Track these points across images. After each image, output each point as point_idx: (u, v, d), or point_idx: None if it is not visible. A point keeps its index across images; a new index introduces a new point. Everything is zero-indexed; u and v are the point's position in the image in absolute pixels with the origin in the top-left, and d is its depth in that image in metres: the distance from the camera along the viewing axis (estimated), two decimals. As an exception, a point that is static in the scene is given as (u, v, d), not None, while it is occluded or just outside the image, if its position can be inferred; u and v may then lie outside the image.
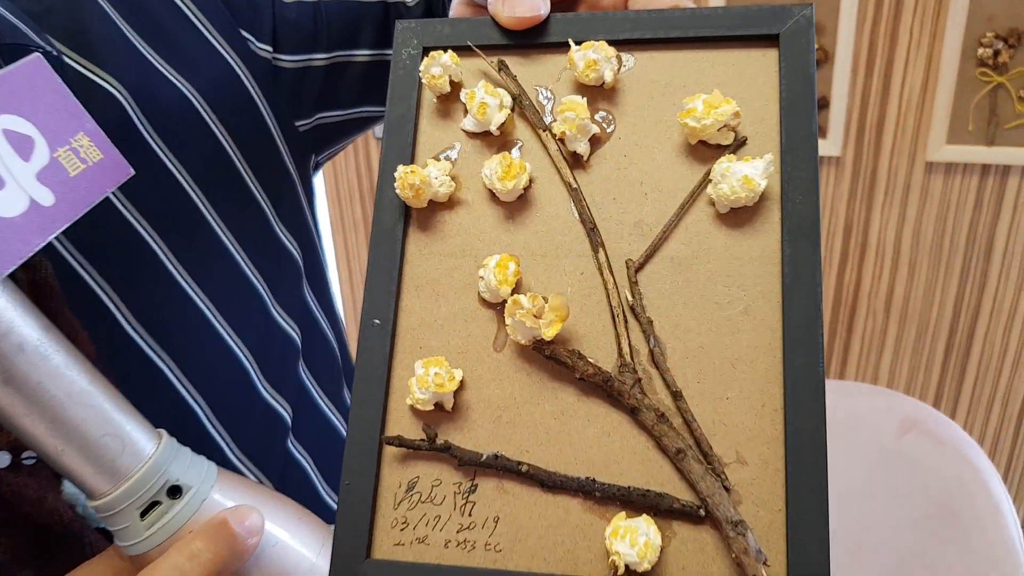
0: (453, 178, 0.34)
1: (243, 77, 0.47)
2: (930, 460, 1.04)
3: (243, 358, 0.46)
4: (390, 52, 0.46)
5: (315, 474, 0.52)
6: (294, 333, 0.51)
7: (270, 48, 0.49)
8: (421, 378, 0.29)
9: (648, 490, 0.27)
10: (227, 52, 0.47)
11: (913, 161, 1.22)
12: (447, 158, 0.34)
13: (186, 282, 0.44)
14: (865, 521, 1.08)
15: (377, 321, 0.32)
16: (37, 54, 0.31)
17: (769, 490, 0.26)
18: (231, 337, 0.45)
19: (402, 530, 0.29)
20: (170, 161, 0.42)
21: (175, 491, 0.31)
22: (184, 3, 0.46)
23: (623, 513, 0.27)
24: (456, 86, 0.35)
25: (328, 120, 0.54)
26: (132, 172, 0.34)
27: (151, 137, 0.41)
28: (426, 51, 0.35)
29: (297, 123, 0.52)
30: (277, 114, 0.50)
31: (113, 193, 0.40)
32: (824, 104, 1.19)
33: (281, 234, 0.50)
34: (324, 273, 0.57)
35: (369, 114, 0.55)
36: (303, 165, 0.54)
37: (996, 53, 1.12)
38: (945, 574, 1.04)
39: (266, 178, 0.49)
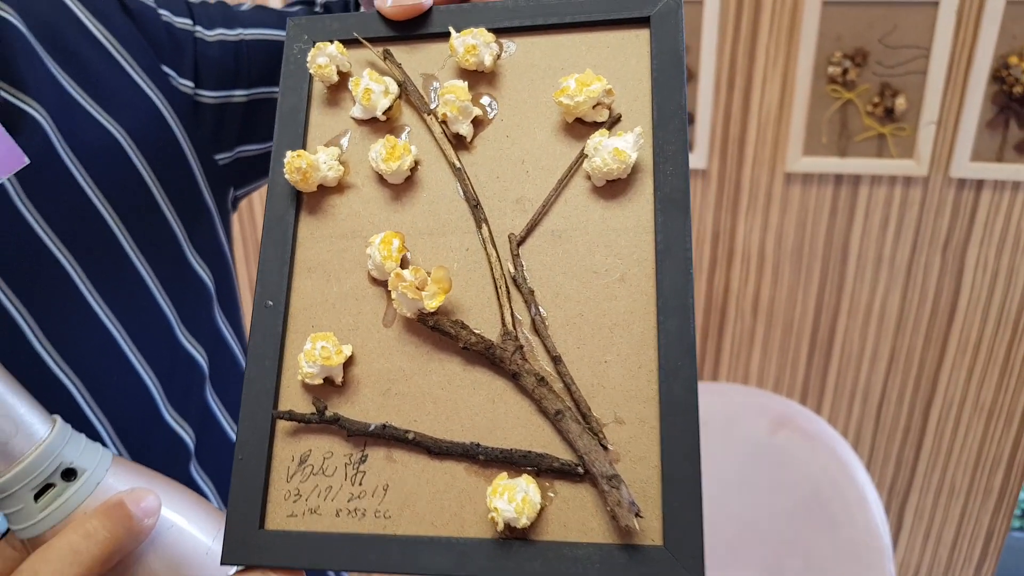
0: (343, 163, 0.34)
1: (165, 112, 0.48)
2: (801, 455, 1.11)
3: (149, 382, 0.46)
4: None
5: (217, 501, 0.52)
6: (201, 358, 0.51)
7: (191, 84, 0.50)
8: (309, 352, 0.30)
9: (529, 451, 0.28)
10: (149, 88, 0.48)
11: (773, 172, 1.31)
12: (338, 145, 0.34)
13: (99, 305, 0.44)
14: (742, 514, 1.14)
15: (270, 302, 0.32)
16: None
17: (646, 447, 0.28)
18: (138, 361, 0.46)
19: (295, 502, 0.29)
20: (91, 189, 0.43)
21: (69, 474, 0.31)
22: (108, 41, 0.47)
23: (504, 474, 0.28)
24: (345, 76, 0.35)
25: (248, 154, 0.55)
26: (27, 161, 0.33)
27: (73, 166, 0.41)
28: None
29: (217, 156, 0.53)
30: (197, 148, 0.51)
31: (32, 216, 0.40)
32: (690, 120, 1.26)
33: (194, 262, 0.51)
34: (236, 299, 0.58)
35: None
36: (222, 197, 0.55)
37: (845, 71, 1.22)
38: (818, 560, 1.11)
39: (183, 209, 0.50)
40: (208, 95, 0.51)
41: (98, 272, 0.43)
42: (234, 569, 0.30)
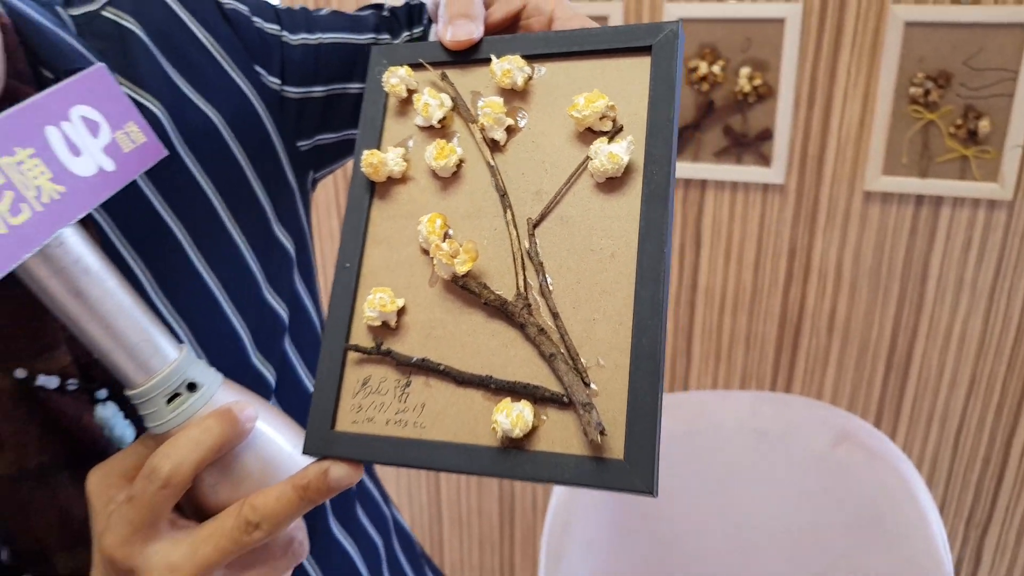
0: (406, 160, 0.43)
1: (256, 104, 0.59)
2: (861, 470, 1.13)
3: (240, 330, 0.56)
4: None
5: None
6: (282, 313, 0.61)
7: (278, 81, 0.61)
8: (371, 301, 0.39)
9: (528, 383, 0.36)
10: (244, 83, 0.59)
11: (852, 190, 1.33)
12: (405, 146, 0.44)
13: (201, 264, 0.54)
14: (799, 525, 1.17)
15: (348, 265, 0.42)
16: (101, 64, 0.41)
17: (618, 385, 0.35)
18: (232, 312, 0.56)
19: (357, 412, 0.39)
20: (195, 167, 0.54)
21: (192, 386, 0.41)
22: (211, 44, 0.58)
23: (508, 399, 0.36)
24: (412, 93, 0.45)
25: (325, 141, 0.65)
26: (166, 153, 0.44)
27: (182, 148, 0.52)
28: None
29: (299, 143, 0.63)
30: (282, 135, 0.61)
31: (150, 190, 0.51)
32: (767, 135, 1.30)
33: (278, 232, 0.61)
34: (312, 267, 0.68)
35: (354, 136, 0.67)
36: (302, 178, 0.65)
37: (927, 92, 1.24)
38: (872, 578, 1.13)
39: (270, 186, 0.60)
40: (292, 91, 0.61)
41: (200, 237, 0.53)
42: (311, 460, 0.40)
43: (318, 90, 0.62)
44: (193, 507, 0.42)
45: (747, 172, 1.34)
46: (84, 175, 0.39)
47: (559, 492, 1.10)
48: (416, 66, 0.45)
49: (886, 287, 1.40)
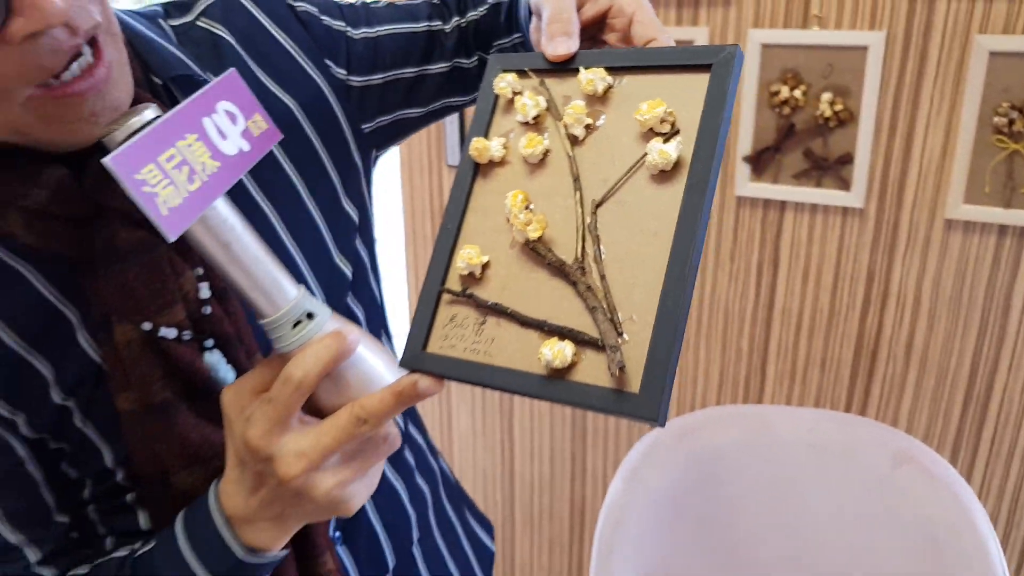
0: (506, 148, 0.52)
1: (326, 91, 0.69)
2: (920, 494, 1.14)
3: (313, 288, 0.66)
4: (431, 67, 0.71)
5: None
6: (347, 271, 0.71)
7: (344, 72, 0.71)
8: (462, 255, 0.48)
9: (573, 329, 0.45)
10: (315, 74, 0.69)
11: (933, 217, 1.35)
12: (507, 137, 0.53)
13: (282, 231, 0.65)
14: (854, 544, 1.18)
15: (449, 226, 0.51)
16: (233, 69, 0.52)
17: (643, 337, 0.43)
18: (305, 269, 0.66)
19: (444, 339, 0.49)
20: (277, 150, 0.65)
21: (310, 315, 0.50)
22: (287, 42, 0.68)
23: (556, 339, 0.44)
24: (516, 95, 0.54)
25: (384, 123, 0.75)
26: (282, 136, 0.54)
27: None
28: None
29: (363, 125, 0.73)
30: (348, 118, 0.71)
31: None
32: (848, 160, 1.34)
33: (345, 202, 0.71)
34: (372, 234, 0.78)
35: (409, 116, 0.77)
36: (366, 156, 0.75)
37: (1011, 122, 1.25)
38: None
39: (338, 163, 0.70)
40: (356, 79, 0.71)
41: (281, 207, 0.64)
42: (398, 376, 0.49)
43: (377, 77, 0.73)
44: (311, 409, 0.51)
45: (826, 195, 1.38)
46: (230, 154, 0.49)
47: (614, 490, 1.15)
48: (521, 73, 0.54)
49: (967, 317, 1.40)
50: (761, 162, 1.41)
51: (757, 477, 1.19)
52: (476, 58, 0.76)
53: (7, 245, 0.55)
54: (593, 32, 0.60)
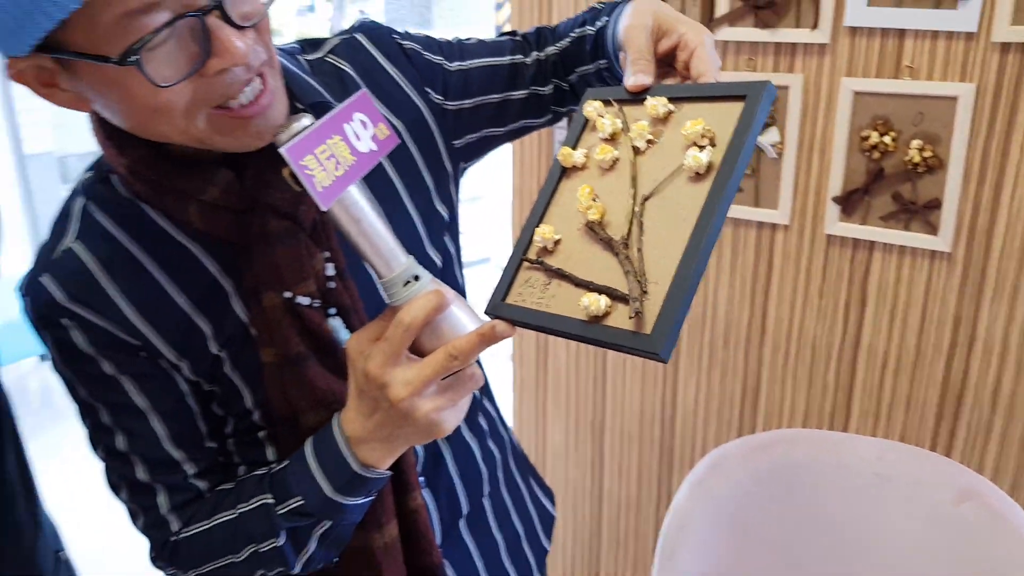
0: (587, 156, 0.67)
1: (425, 114, 0.87)
2: (984, 531, 1.17)
3: None
4: (513, 94, 0.88)
5: None
6: (437, 262, 0.87)
7: (441, 97, 0.88)
8: (539, 231, 0.63)
9: (610, 287, 0.58)
10: (417, 99, 0.86)
11: (1021, 266, 1.39)
12: (589, 148, 0.68)
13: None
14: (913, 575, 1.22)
15: (535, 212, 0.66)
16: (365, 89, 0.68)
17: (661, 295, 0.56)
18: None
19: (518, 295, 0.63)
20: (384, 159, 0.81)
21: (416, 278, 0.65)
22: (396, 73, 0.86)
23: (596, 294, 0.58)
24: (600, 117, 0.69)
25: (471, 139, 0.92)
26: (399, 142, 0.70)
27: None
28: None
29: (455, 141, 0.90)
30: (443, 135, 0.88)
31: None
32: (936, 205, 1.41)
33: (437, 204, 0.88)
34: (457, 231, 0.94)
35: (493, 134, 0.94)
36: (456, 167, 0.92)
37: (1104, 176, 1.29)
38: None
39: (433, 171, 0.87)
40: (450, 104, 0.88)
41: (384, 204, 0.79)
42: (481, 325, 0.64)
43: (468, 102, 0.89)
44: (414, 352, 0.66)
45: (914, 238, 1.45)
46: (363, 151, 0.65)
47: (680, 495, 1.25)
48: (606, 102, 0.70)
49: (1058, 367, 1.42)
50: (850, 203, 1.49)
51: (821, 500, 1.26)
52: (552, 86, 0.92)
53: (184, 230, 0.74)
54: (665, 62, 0.75)
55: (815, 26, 1.46)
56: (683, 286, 0.55)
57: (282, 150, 0.59)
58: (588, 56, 0.87)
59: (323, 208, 0.61)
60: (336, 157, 0.62)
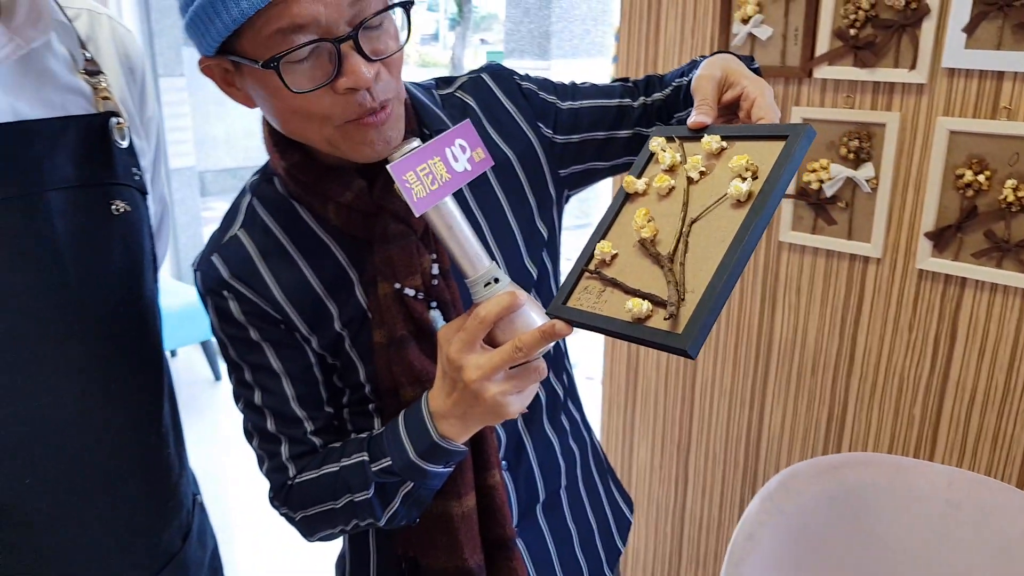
0: (647, 184, 0.79)
1: (536, 145, 1.00)
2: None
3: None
4: (618, 133, 0.99)
5: None
6: (532, 275, 0.99)
7: (551, 132, 1.02)
8: (600, 247, 0.75)
9: (653, 294, 0.69)
10: (530, 132, 1.00)
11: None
12: (651, 177, 0.80)
13: (489, 235, 0.95)
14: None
15: (598, 230, 0.78)
16: (468, 120, 0.82)
17: (694, 303, 0.66)
18: (501, 263, 0.95)
19: (577, 300, 0.75)
20: (494, 180, 0.96)
21: (496, 280, 0.78)
22: (512, 109, 1.00)
23: (640, 299, 0.69)
24: (663, 151, 0.80)
25: (577, 170, 1.05)
26: (493, 163, 0.83)
27: (489, 170, 0.93)
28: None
29: (560, 171, 1.03)
30: (550, 165, 1.02)
31: (466, 188, 0.91)
32: (1028, 242, 1.43)
33: (538, 223, 1.01)
34: (557, 250, 1.07)
35: (597, 167, 1.06)
36: (559, 193, 1.05)
37: None
38: None
39: (537, 196, 1.01)
40: (559, 138, 1.01)
41: (490, 219, 0.94)
42: (547, 319, 0.76)
43: (576, 137, 1.02)
44: (490, 343, 0.79)
45: (1007, 276, 1.47)
46: (459, 171, 0.79)
47: (750, 508, 1.33)
48: (669, 138, 0.81)
49: None
50: (943, 239, 1.53)
51: (889, 523, 1.31)
52: (655, 127, 1.04)
53: (324, 226, 0.90)
54: (729, 110, 0.86)
55: (913, 67, 1.52)
56: (713, 295, 0.65)
57: (389, 167, 0.74)
58: (682, 103, 0.99)
59: (416, 214, 0.75)
60: (434, 174, 0.76)
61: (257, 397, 0.93)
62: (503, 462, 0.99)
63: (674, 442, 2.08)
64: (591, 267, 0.77)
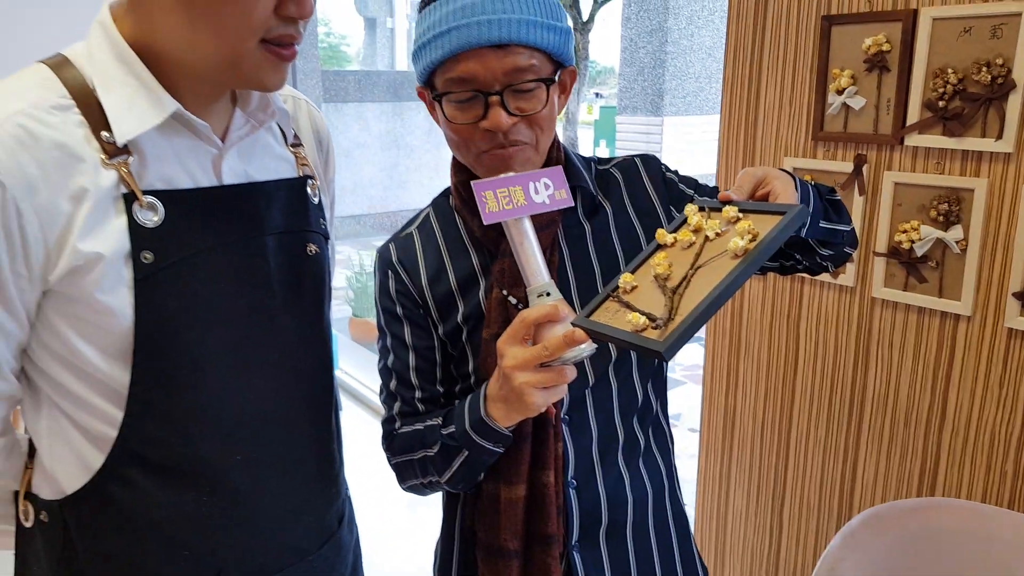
0: (675, 239, 0.97)
1: (663, 219, 1.19)
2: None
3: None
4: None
5: None
6: None
7: (674, 210, 1.19)
8: (623, 278, 0.95)
9: (653, 313, 0.87)
10: (661, 213, 1.20)
11: None
12: (678, 233, 0.98)
13: (600, 284, 1.14)
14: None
15: (628, 269, 0.97)
16: (560, 166, 1.03)
17: (680, 323, 0.84)
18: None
19: (599, 315, 0.94)
20: (616, 241, 1.19)
21: (548, 293, 0.98)
22: (651, 190, 1.22)
23: (640, 315, 0.87)
24: (693, 216, 0.99)
25: None
26: (572, 204, 1.03)
27: (617, 237, 1.18)
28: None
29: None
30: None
31: (588, 224, 1.14)
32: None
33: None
34: None
35: None
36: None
37: None
38: None
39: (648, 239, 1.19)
40: (676, 214, 1.19)
41: (604, 272, 1.14)
42: (571, 327, 0.94)
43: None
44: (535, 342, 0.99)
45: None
46: (536, 201, 0.98)
47: (832, 544, 1.44)
48: (701, 208, 1.00)
49: None
50: (1030, 299, 1.62)
51: (965, 567, 1.39)
52: (695, 199, 1.23)
53: (470, 236, 1.15)
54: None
55: (1000, 136, 1.64)
56: (692, 318, 0.83)
57: (473, 183, 0.97)
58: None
59: (484, 223, 0.96)
60: (511, 198, 0.98)
61: (390, 361, 1.18)
62: (573, 482, 1.16)
63: (769, 491, 2.19)
64: (615, 293, 0.97)
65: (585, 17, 12.73)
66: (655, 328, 0.86)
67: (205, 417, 0.98)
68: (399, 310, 1.17)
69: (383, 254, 1.19)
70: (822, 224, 1.10)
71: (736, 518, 2.29)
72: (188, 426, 0.97)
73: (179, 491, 0.99)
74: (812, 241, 1.11)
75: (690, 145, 7.79)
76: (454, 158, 1.15)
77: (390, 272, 1.17)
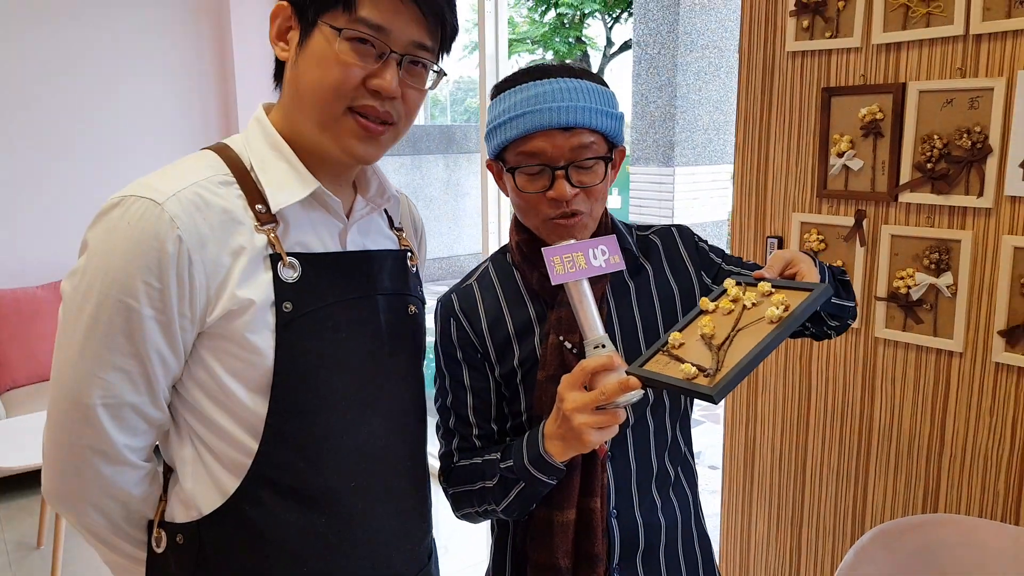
0: (715, 307, 1.21)
1: (695, 287, 1.38)
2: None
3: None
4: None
5: None
6: None
7: (710, 280, 1.39)
8: (673, 336, 1.18)
9: (702, 365, 1.09)
10: (694, 276, 1.39)
11: None
12: (718, 303, 1.22)
13: (642, 339, 1.36)
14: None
15: (676, 329, 1.20)
16: (614, 236, 1.26)
17: (728, 371, 1.06)
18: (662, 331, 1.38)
19: (651, 365, 1.16)
20: (656, 301, 1.38)
21: (603, 346, 1.19)
22: (686, 255, 1.38)
23: (692, 366, 1.10)
24: (731, 289, 1.22)
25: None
26: (624, 268, 1.26)
27: (657, 299, 1.37)
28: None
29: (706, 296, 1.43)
30: (700, 292, 1.40)
31: (631, 281, 1.36)
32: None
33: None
34: None
35: None
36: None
37: None
38: None
39: (685, 307, 1.41)
40: (705, 278, 1.41)
41: (645, 328, 1.34)
42: (625, 374, 1.15)
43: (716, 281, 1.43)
44: (590, 388, 1.18)
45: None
46: (594, 264, 1.21)
47: (847, 558, 1.64)
48: (739, 282, 1.23)
49: None
50: (1014, 336, 1.85)
51: (966, 575, 1.59)
52: (732, 276, 1.45)
53: (527, 286, 1.31)
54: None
55: (980, 194, 1.88)
56: (738, 370, 1.05)
57: (543, 249, 1.17)
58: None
59: (552, 283, 1.16)
60: (575, 262, 1.19)
61: (448, 400, 1.30)
62: (613, 510, 1.26)
63: (788, 516, 2.39)
64: (665, 348, 1.19)
65: (595, 71, 13.05)
66: (705, 376, 1.08)
67: (329, 447, 1.12)
68: (459, 354, 1.28)
69: (445, 303, 1.30)
70: (834, 300, 1.27)
71: (758, 543, 2.48)
72: (315, 454, 1.11)
73: (303, 513, 1.11)
74: (823, 313, 1.28)
75: (700, 193, 8.06)
76: (514, 219, 1.30)
77: (452, 320, 1.28)
